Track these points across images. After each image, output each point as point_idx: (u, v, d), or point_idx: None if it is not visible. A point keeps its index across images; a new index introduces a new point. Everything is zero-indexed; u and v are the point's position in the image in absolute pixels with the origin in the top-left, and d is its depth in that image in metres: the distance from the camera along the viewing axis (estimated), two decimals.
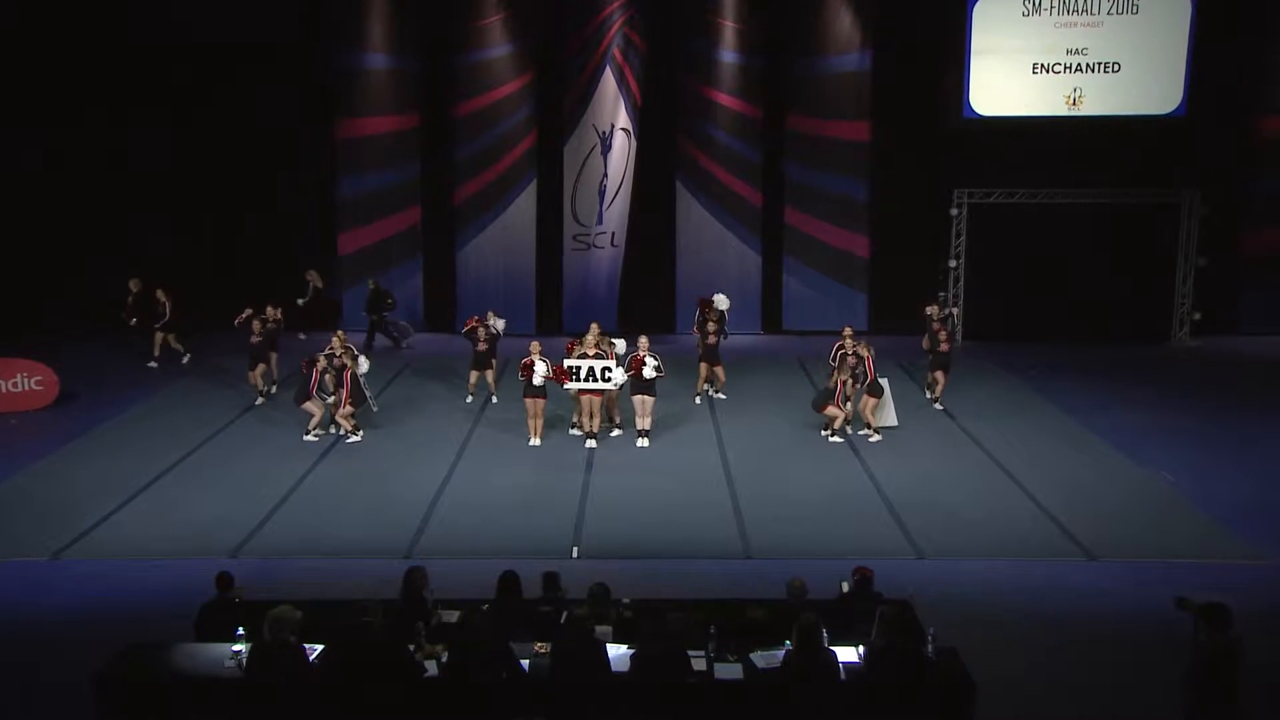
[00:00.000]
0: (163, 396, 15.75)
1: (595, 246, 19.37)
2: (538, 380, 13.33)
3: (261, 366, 15.33)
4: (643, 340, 13.69)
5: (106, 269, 19.13)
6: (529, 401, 13.50)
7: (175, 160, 19.18)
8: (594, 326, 14.21)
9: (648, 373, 13.37)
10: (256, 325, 15.24)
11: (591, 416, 13.51)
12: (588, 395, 13.43)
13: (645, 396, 13.54)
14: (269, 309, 15.81)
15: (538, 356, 13.39)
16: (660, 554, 10.53)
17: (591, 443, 13.44)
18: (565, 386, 13.39)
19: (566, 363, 13.29)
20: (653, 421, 13.73)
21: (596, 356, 13.32)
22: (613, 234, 19.24)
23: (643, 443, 13.55)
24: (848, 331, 14.42)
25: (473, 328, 15.11)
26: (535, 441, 13.54)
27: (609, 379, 13.23)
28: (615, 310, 19.02)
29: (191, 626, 7.72)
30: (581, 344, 13.70)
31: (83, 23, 18.72)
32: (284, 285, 17.89)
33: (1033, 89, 18.90)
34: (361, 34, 19.31)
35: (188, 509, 11.53)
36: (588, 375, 13.23)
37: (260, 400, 15.29)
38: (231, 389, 15.89)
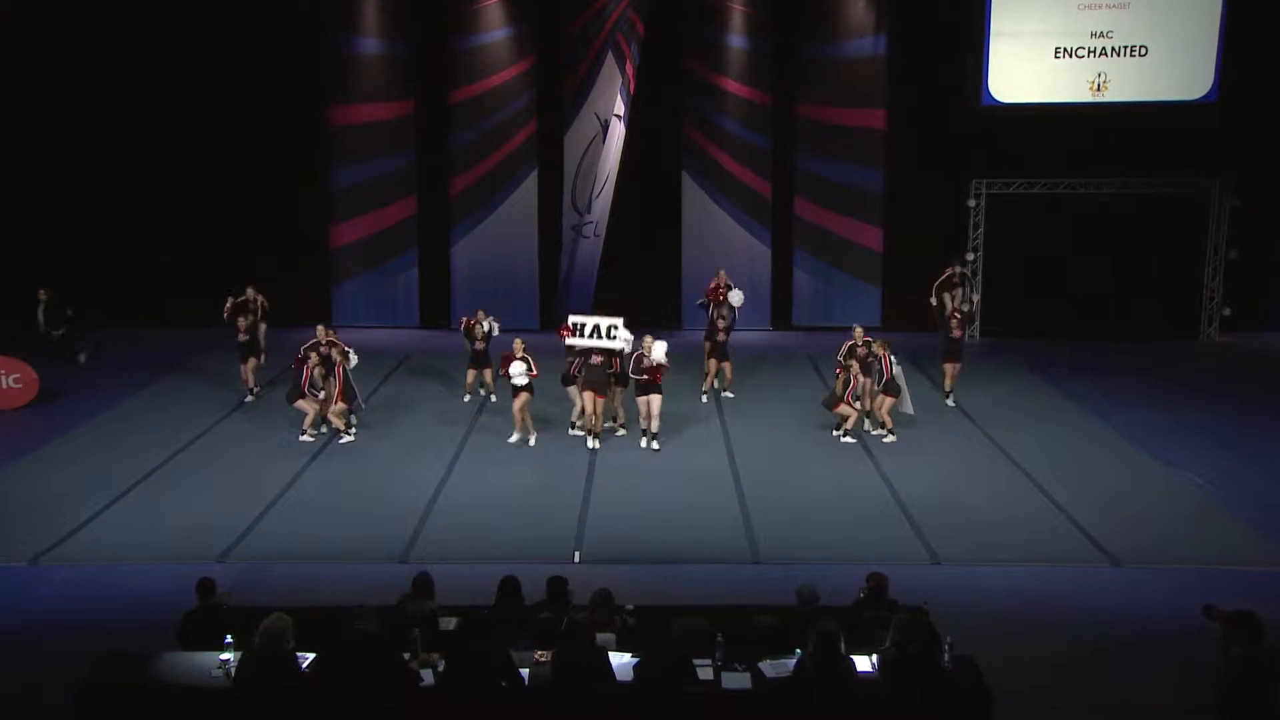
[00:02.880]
0: (147, 395, 15.76)
1: (583, 236, 19.37)
2: (518, 380, 13.21)
3: (253, 361, 15.35)
4: (648, 339, 13.40)
5: (92, 262, 19.23)
6: (521, 395, 13.49)
7: (163, 151, 19.18)
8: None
9: (658, 353, 13.07)
10: (242, 322, 15.25)
11: (595, 416, 13.38)
12: (590, 393, 13.29)
13: (651, 396, 13.35)
14: (249, 290, 15.86)
15: (520, 354, 13.28)
16: (665, 558, 10.52)
17: (594, 443, 13.36)
18: (568, 343, 13.35)
19: (572, 319, 13.30)
20: (659, 424, 13.62)
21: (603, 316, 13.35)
22: (596, 223, 19.25)
23: (647, 444, 13.49)
24: (858, 331, 14.37)
25: (469, 326, 15.11)
26: (514, 438, 13.53)
27: (615, 336, 13.13)
28: (590, 302, 19.03)
29: (175, 634, 7.73)
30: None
31: (62, 12, 18.76)
32: (276, 280, 17.88)
33: (1055, 74, 18.83)
34: (354, 17, 19.30)
35: (174, 511, 11.53)
36: (593, 332, 13.16)
37: (250, 398, 15.30)
38: (219, 387, 15.90)
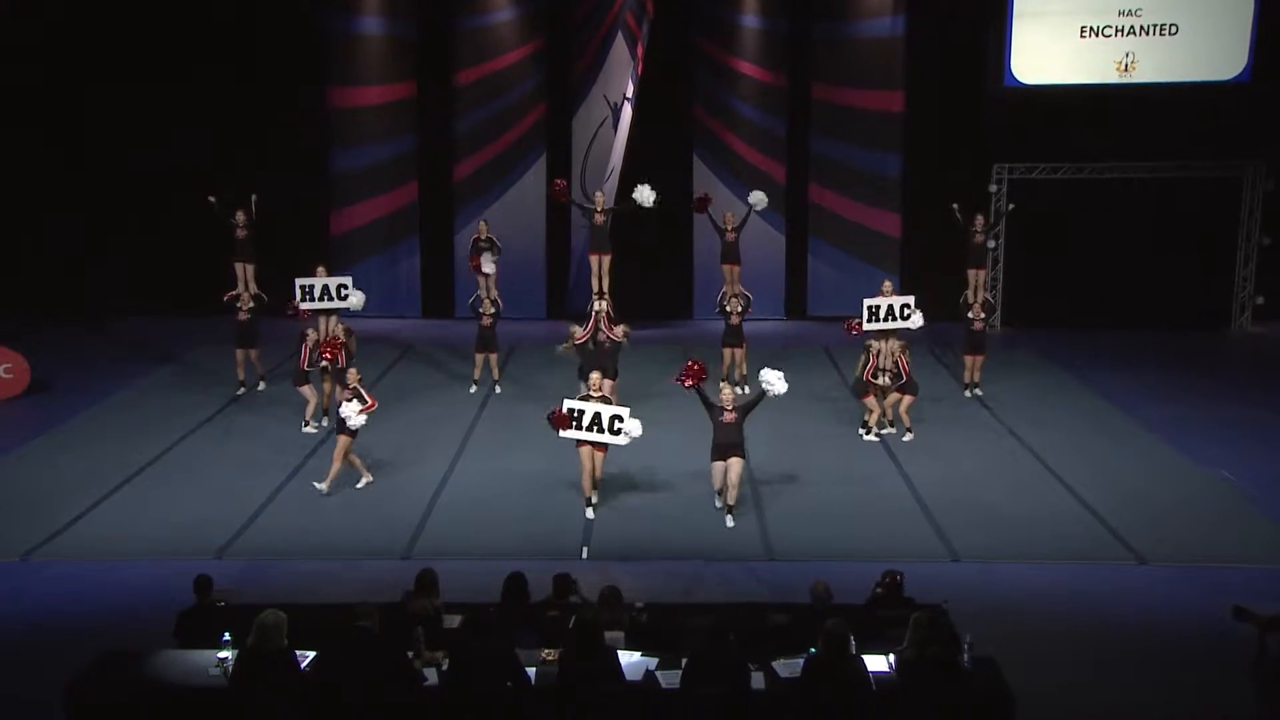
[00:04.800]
0: (143, 385, 15.81)
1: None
2: (354, 422, 11.63)
3: (254, 351, 15.10)
4: (725, 392, 11.35)
5: (85, 250, 19.28)
6: (340, 438, 11.80)
7: (156, 134, 19.19)
8: (596, 301, 14.14)
9: (776, 384, 11.02)
10: (245, 298, 15.16)
11: (592, 475, 11.38)
12: (589, 449, 11.26)
13: (731, 461, 11.08)
14: (239, 214, 15.73)
15: (355, 383, 11.81)
16: (676, 555, 10.54)
17: (592, 512, 11.38)
18: (562, 435, 11.18)
19: (567, 404, 11.19)
20: (737, 493, 11.34)
21: (603, 400, 11.36)
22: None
23: (730, 522, 11.21)
24: (887, 285, 14.28)
25: (477, 260, 15.30)
26: (323, 486, 11.77)
27: (619, 430, 11.04)
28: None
29: (171, 633, 7.77)
30: (583, 329, 13.63)
31: None
32: (273, 268, 17.89)
33: (1081, 54, 18.70)
34: None
35: (170, 506, 11.57)
36: (592, 424, 11.06)
37: (245, 390, 15.14)
38: (217, 377, 15.92)
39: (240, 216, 15.92)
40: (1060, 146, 19.08)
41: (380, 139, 19.71)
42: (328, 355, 13.15)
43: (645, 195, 14.82)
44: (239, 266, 15.74)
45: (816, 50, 19.45)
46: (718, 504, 11.40)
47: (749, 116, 19.60)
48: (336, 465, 11.82)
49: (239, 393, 15.14)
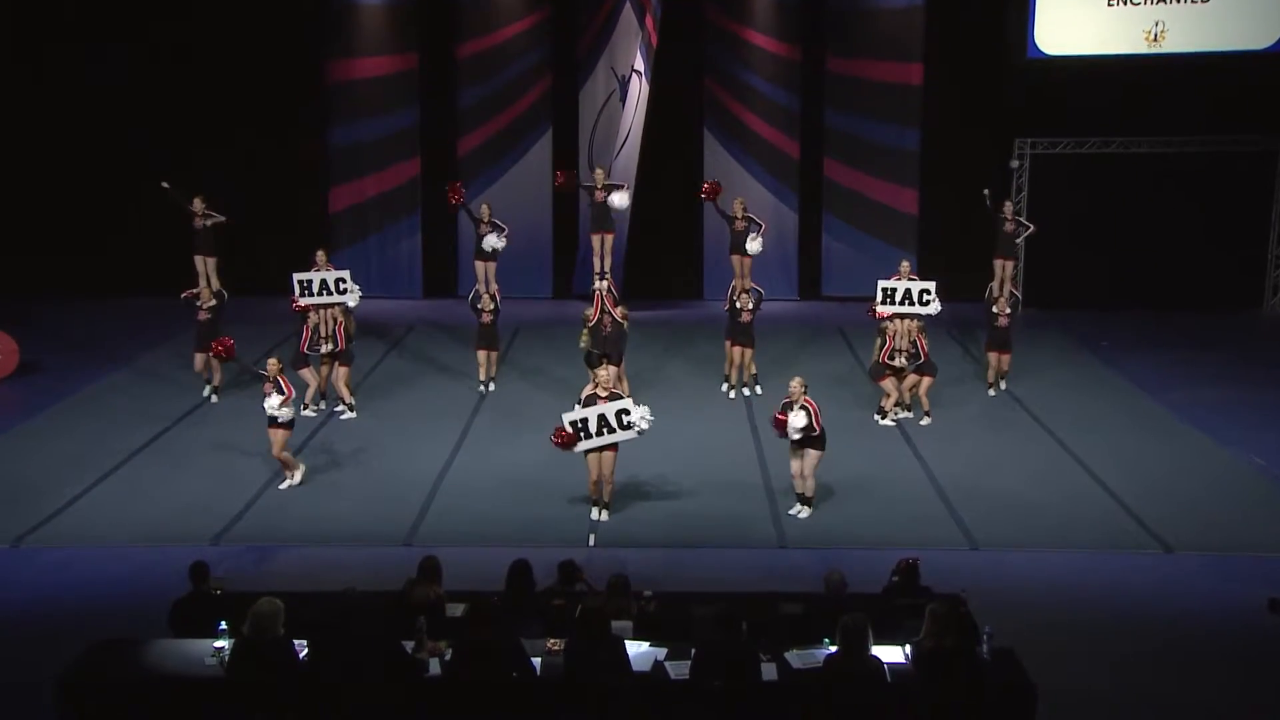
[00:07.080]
0: (137, 367, 15.84)
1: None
2: (279, 414, 11.23)
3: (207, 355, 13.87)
4: (795, 385, 10.78)
5: (77, 229, 19.29)
6: (271, 433, 11.44)
7: (149, 110, 19.17)
8: (597, 280, 14.17)
9: (796, 422, 10.61)
10: (205, 294, 14.39)
11: (602, 482, 11.00)
12: (596, 454, 10.91)
13: (806, 451, 10.92)
14: (198, 202, 14.70)
15: (274, 375, 11.36)
16: (686, 542, 10.55)
17: (603, 513, 11.07)
18: (578, 450, 10.86)
19: (566, 419, 10.79)
20: (813, 485, 11.16)
21: (612, 396, 10.94)
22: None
23: (804, 512, 11.14)
24: (905, 266, 14.21)
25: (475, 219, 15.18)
26: (285, 484, 11.69)
27: (629, 424, 10.78)
28: (621, 272, 18.77)
29: (166, 622, 7.78)
30: (592, 310, 13.64)
31: None
32: (269, 247, 17.90)
33: (1107, 24, 18.57)
34: None
35: (165, 491, 11.60)
36: (600, 427, 10.74)
37: (212, 397, 14.28)
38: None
39: (199, 204, 14.82)
40: (1085, 120, 18.98)
41: (380, 113, 19.67)
42: (219, 351, 12.09)
43: (619, 200, 15.38)
44: (199, 260, 14.78)
45: (832, 21, 19.35)
46: (800, 511, 11.12)
47: (762, 90, 19.52)
48: (282, 458, 11.57)
49: (207, 395, 14.31)
